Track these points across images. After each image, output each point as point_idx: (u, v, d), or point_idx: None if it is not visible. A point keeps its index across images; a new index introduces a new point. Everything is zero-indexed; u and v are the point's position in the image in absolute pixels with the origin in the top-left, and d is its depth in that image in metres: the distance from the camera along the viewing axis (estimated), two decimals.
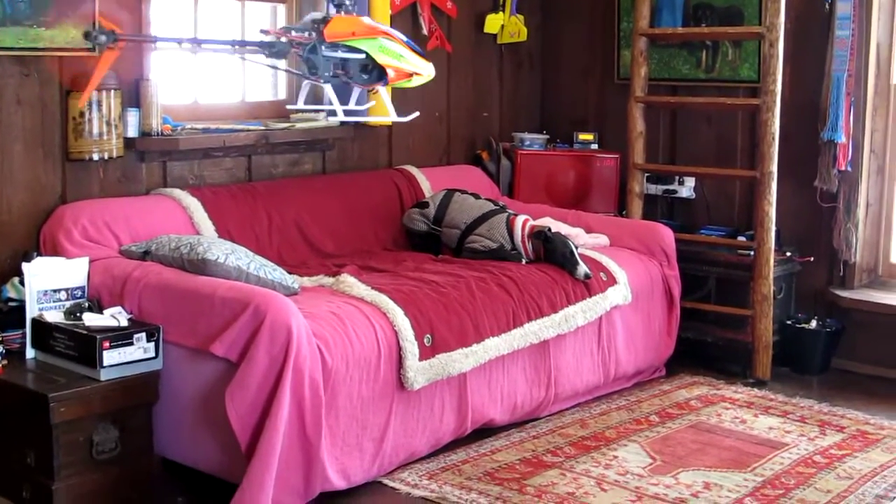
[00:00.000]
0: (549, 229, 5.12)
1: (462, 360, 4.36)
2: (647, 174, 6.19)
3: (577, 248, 5.08)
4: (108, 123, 4.54)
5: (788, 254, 5.86)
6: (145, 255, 4.37)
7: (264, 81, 5.62)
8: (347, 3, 3.66)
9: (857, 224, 5.79)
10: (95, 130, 4.51)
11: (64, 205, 4.52)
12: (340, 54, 3.61)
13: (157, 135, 4.78)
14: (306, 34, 3.59)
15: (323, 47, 3.55)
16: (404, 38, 3.79)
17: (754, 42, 5.90)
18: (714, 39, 6.10)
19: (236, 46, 3.66)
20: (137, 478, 4.01)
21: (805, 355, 5.74)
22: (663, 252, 5.58)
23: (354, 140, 5.69)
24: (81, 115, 4.47)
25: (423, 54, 3.82)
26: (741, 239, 5.87)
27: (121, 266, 4.31)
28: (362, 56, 3.63)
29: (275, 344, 3.74)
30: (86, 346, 3.92)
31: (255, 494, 3.68)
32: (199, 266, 4.15)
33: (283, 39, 3.68)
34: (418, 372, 4.19)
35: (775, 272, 5.61)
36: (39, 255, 4.33)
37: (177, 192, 4.81)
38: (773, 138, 5.51)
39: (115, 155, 4.61)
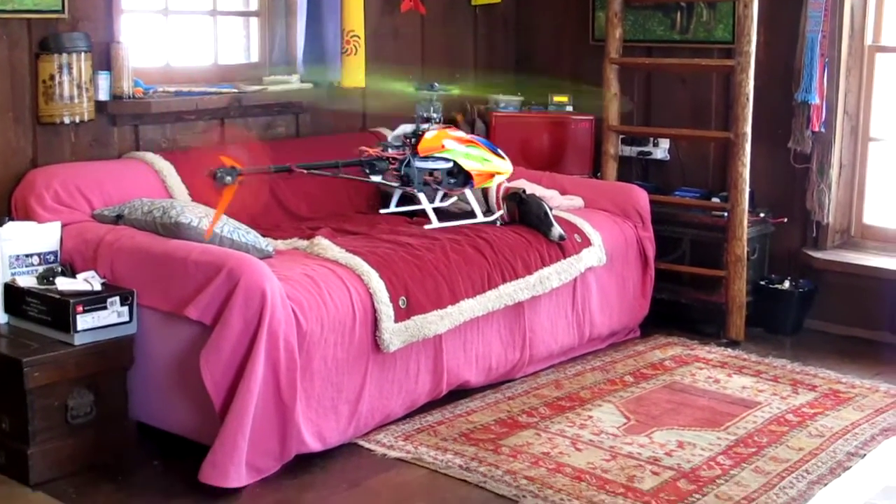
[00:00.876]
0: (524, 191, 5.11)
1: (437, 322, 4.37)
2: (621, 136, 6.19)
3: (551, 209, 5.09)
4: (79, 87, 4.51)
5: (762, 215, 5.89)
6: (118, 220, 4.35)
7: (236, 44, 5.58)
8: (435, 116, 4.00)
9: (830, 185, 5.82)
10: (66, 94, 4.48)
11: (35, 169, 4.49)
12: (430, 165, 3.91)
13: (129, 98, 4.75)
14: (401, 150, 3.89)
15: (416, 160, 3.82)
16: (485, 143, 4.09)
17: (729, 3, 5.89)
18: (689, 1, 6.09)
19: (340, 168, 3.98)
20: (112, 442, 4.02)
21: (778, 316, 5.78)
22: (638, 214, 5.59)
23: (328, 103, 5.67)
24: (52, 77, 4.44)
25: (502, 154, 4.11)
26: (715, 200, 5.89)
27: (93, 230, 4.29)
28: (450, 164, 3.92)
29: (249, 307, 3.73)
30: (59, 311, 3.91)
31: (227, 455, 3.70)
32: (173, 230, 4.14)
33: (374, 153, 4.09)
34: (394, 334, 4.19)
35: (749, 233, 5.64)
36: (11, 219, 4.31)
37: (149, 156, 4.79)
38: (748, 100, 5.51)
39: (86, 118, 4.59)
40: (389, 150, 3.89)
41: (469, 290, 4.54)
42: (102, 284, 4.05)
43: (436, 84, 4.13)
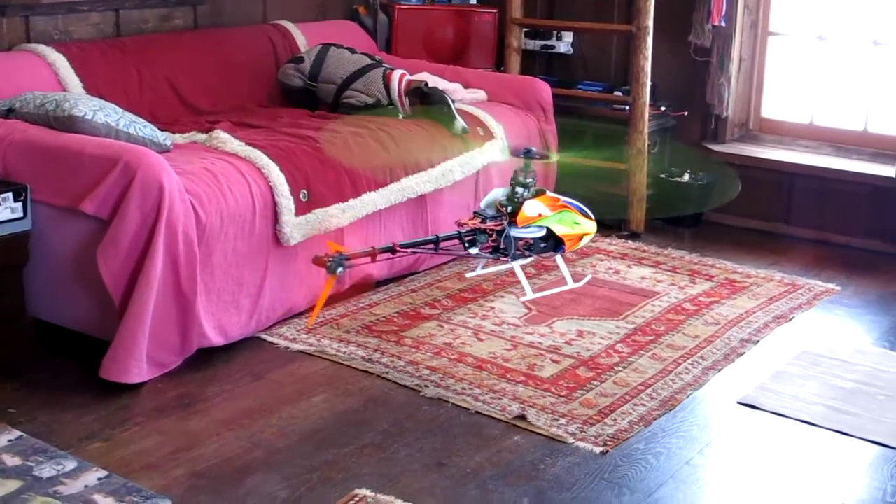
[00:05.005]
0: (427, 84, 5.09)
1: (339, 214, 4.36)
2: (525, 29, 6.17)
3: (454, 103, 5.07)
4: None
5: (663, 108, 5.94)
6: (9, 113, 4.22)
7: None
8: (530, 181, 4.00)
9: (729, 79, 5.88)
10: None
11: None
12: (525, 233, 3.93)
13: None
14: (497, 220, 3.91)
15: (512, 229, 3.88)
16: (575, 205, 4.13)
17: None
18: None
19: (439, 242, 3.92)
20: (10, 340, 3.95)
21: (678, 208, 5.86)
22: (541, 107, 5.60)
23: None
24: None
25: (590, 214, 4.16)
26: (617, 94, 5.93)
27: None
28: (543, 231, 3.96)
29: (146, 200, 3.68)
30: None
31: (128, 350, 3.68)
32: (67, 123, 4.03)
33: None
34: (294, 227, 4.17)
35: (650, 127, 5.69)
36: None
37: (41, 48, 4.65)
38: None
39: None
40: (487, 222, 3.92)
41: (371, 183, 4.53)
42: None
43: (532, 149, 4.17)
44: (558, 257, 4.10)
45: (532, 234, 3.95)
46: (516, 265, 3.97)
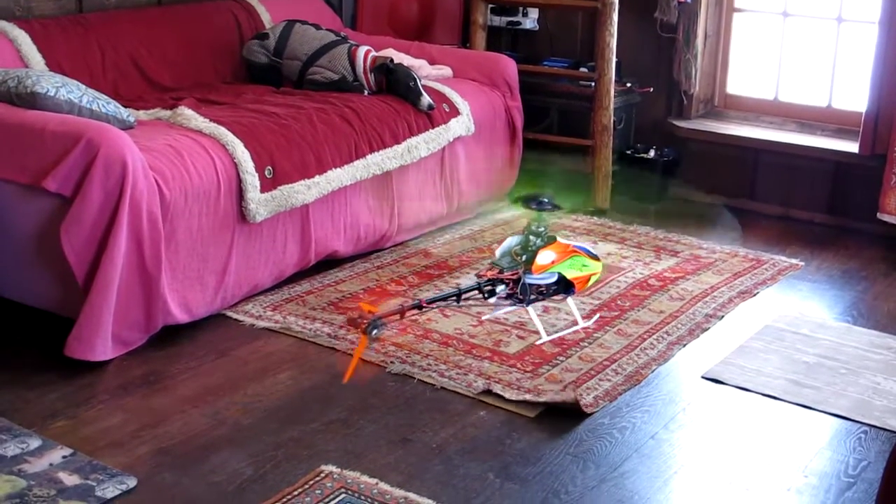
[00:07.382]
0: (392, 60, 5.08)
1: (304, 191, 4.34)
2: (490, 5, 6.15)
3: (419, 79, 5.06)
4: None
5: (629, 85, 5.95)
6: None
7: None
8: (542, 230, 4.13)
9: (695, 55, 5.89)
10: None
11: None
12: (539, 280, 4.04)
13: None
14: (514, 269, 4.02)
15: (528, 277, 3.99)
16: (583, 249, 4.26)
17: None
18: None
19: (461, 294, 4.00)
20: None
21: (643, 184, 5.88)
22: (506, 83, 5.59)
23: None
24: None
25: (596, 255, 4.30)
26: (583, 70, 5.93)
27: None
28: (556, 276, 4.07)
29: (109, 178, 3.66)
30: None
31: (92, 328, 3.66)
32: (28, 99, 4.00)
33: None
34: (260, 204, 4.16)
35: (615, 103, 5.70)
36: None
37: (3, 24, 4.60)
38: None
39: None
40: (504, 272, 4.06)
41: (336, 160, 4.52)
42: None
43: (545, 200, 4.27)
44: (569, 299, 4.25)
45: (546, 280, 4.09)
46: (531, 310, 4.11)
